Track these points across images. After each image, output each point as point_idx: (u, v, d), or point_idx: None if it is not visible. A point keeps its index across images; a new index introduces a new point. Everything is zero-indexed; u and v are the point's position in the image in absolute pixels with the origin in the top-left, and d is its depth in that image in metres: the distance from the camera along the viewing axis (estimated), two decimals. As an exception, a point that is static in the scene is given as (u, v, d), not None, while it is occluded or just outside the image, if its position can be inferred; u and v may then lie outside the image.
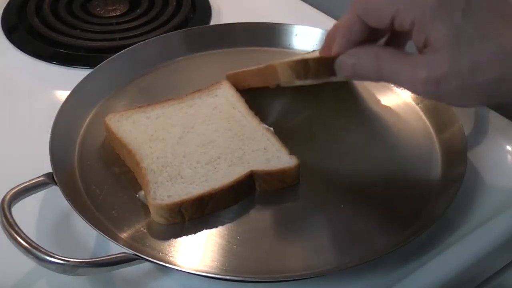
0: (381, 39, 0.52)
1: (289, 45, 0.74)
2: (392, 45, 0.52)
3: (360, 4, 0.50)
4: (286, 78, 0.56)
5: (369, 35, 0.51)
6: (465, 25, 0.45)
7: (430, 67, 0.46)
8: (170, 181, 0.55)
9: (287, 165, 0.57)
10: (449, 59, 0.45)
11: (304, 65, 0.54)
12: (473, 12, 0.45)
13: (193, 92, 0.65)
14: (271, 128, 0.61)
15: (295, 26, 0.74)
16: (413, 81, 0.47)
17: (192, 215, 0.54)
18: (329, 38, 0.54)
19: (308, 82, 0.55)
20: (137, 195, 0.56)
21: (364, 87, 0.67)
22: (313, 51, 0.70)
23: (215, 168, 0.57)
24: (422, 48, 0.47)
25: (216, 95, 0.65)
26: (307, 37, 0.73)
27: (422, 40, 0.47)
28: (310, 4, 0.87)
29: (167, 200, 0.53)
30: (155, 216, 0.54)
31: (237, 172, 0.56)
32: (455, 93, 0.46)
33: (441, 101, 0.49)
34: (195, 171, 0.56)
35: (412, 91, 0.49)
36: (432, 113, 0.64)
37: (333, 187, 0.58)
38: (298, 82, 0.55)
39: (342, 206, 0.56)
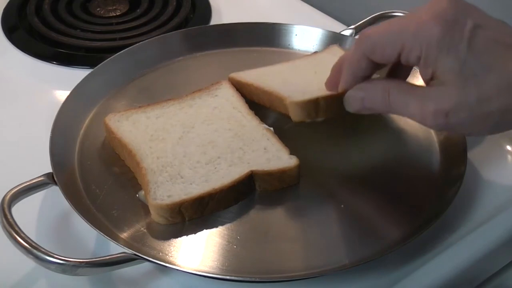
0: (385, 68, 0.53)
1: (289, 45, 0.74)
2: (397, 74, 0.53)
3: (365, 42, 0.50)
4: (296, 118, 0.57)
5: (375, 68, 0.51)
6: (470, 58, 0.46)
7: (438, 100, 0.47)
8: (170, 181, 0.55)
9: (287, 165, 0.56)
10: (457, 91, 0.46)
11: (315, 105, 0.56)
12: (478, 44, 0.46)
13: (193, 92, 0.65)
14: (271, 128, 0.60)
15: (295, 26, 0.74)
16: (423, 113, 0.48)
17: (192, 215, 0.54)
18: (335, 71, 0.55)
19: (319, 119, 0.57)
20: (137, 195, 0.56)
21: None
22: (315, 52, 0.70)
23: (215, 168, 0.57)
24: (429, 81, 0.48)
25: (216, 95, 0.64)
26: (307, 37, 0.73)
27: (429, 74, 0.48)
28: (310, 4, 0.87)
29: (167, 200, 0.53)
30: (155, 216, 0.54)
31: (237, 172, 0.56)
32: (465, 124, 0.47)
33: (451, 132, 0.50)
34: (195, 171, 0.56)
35: (421, 122, 0.49)
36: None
37: (333, 187, 0.58)
38: (309, 120, 0.57)
39: (342, 206, 0.56)
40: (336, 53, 0.67)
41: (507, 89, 0.45)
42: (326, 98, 0.56)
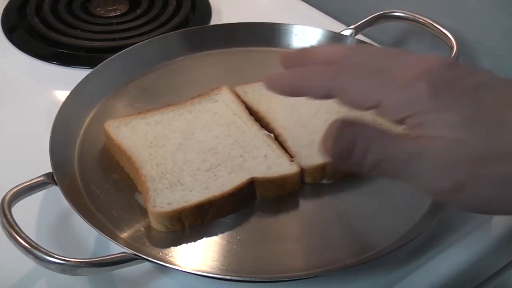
0: None
1: (289, 45, 0.74)
2: None
3: (338, 88, 0.41)
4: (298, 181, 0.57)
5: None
6: (479, 113, 0.38)
7: (457, 148, 0.37)
8: (170, 188, 0.55)
9: (288, 172, 0.56)
10: (473, 142, 0.37)
11: (321, 171, 0.57)
12: (484, 100, 0.38)
13: (192, 98, 0.64)
14: (272, 135, 0.60)
15: (295, 26, 0.74)
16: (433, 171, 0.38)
17: (192, 223, 0.54)
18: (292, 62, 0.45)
19: (324, 181, 0.58)
20: (135, 198, 0.56)
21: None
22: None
23: (216, 175, 0.56)
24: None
25: (216, 101, 0.64)
26: (307, 37, 0.73)
27: (421, 132, 0.38)
28: (310, 4, 0.87)
29: (167, 208, 0.53)
30: (154, 224, 0.54)
31: (237, 179, 0.55)
32: (495, 187, 0.37)
33: (475, 206, 0.39)
34: (195, 178, 0.55)
35: (434, 186, 0.39)
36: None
37: (333, 187, 0.58)
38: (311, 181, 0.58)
39: (342, 206, 0.56)
40: None
41: None
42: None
